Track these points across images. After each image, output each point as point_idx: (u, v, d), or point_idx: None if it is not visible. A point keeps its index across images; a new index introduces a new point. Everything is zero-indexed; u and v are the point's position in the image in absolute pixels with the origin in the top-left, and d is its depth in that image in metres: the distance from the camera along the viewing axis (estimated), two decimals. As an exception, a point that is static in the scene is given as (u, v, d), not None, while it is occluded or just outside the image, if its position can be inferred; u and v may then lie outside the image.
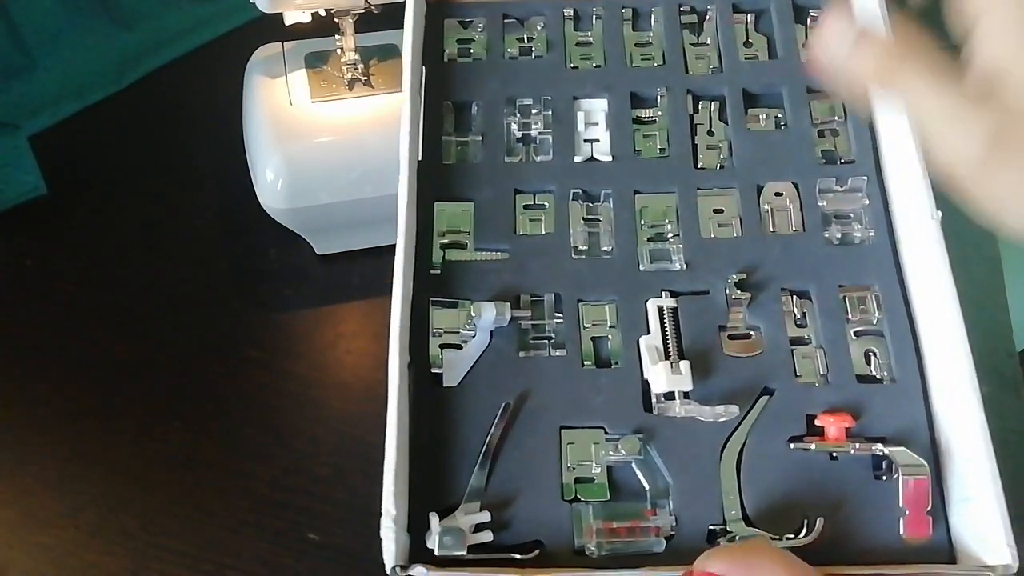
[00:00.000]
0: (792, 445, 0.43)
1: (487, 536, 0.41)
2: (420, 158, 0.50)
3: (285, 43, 0.70)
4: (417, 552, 0.41)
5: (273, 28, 0.68)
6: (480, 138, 0.52)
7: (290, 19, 0.66)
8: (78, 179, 0.75)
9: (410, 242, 0.47)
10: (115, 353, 0.66)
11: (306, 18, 0.66)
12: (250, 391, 0.65)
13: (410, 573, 0.39)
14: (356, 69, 0.69)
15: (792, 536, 0.41)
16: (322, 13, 0.66)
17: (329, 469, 0.61)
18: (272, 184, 0.65)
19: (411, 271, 0.46)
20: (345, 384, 0.66)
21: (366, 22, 0.67)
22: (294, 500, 0.60)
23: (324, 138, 0.66)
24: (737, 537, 0.41)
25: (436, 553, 0.40)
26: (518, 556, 0.41)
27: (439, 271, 0.48)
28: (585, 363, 0.46)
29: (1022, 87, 0.32)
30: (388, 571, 0.39)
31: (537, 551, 0.41)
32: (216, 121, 0.75)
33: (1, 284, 0.69)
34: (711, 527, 0.42)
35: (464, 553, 0.40)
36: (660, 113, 0.53)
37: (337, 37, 0.68)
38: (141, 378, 0.65)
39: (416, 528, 0.41)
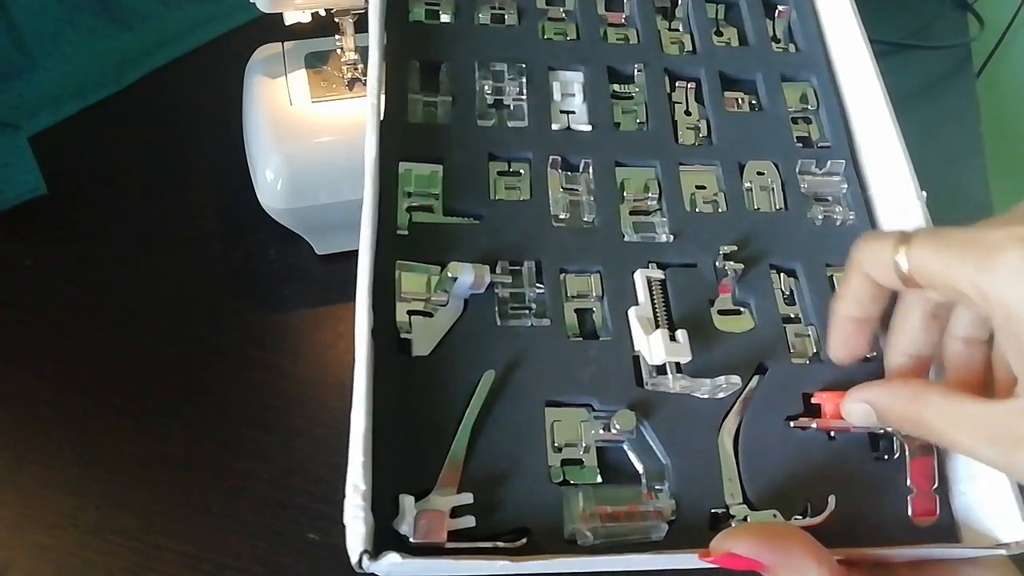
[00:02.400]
0: (792, 424, 0.42)
1: (469, 521, 0.37)
2: (381, 117, 0.47)
3: (285, 43, 0.70)
4: (387, 540, 0.36)
5: (273, 28, 0.68)
6: (450, 99, 0.50)
7: (290, 19, 0.66)
8: (78, 179, 0.75)
9: (375, 202, 0.43)
10: (115, 353, 0.66)
11: (306, 18, 0.66)
12: (250, 391, 0.65)
13: (381, 561, 0.34)
14: (356, 69, 0.69)
15: (800, 517, 0.40)
16: (322, 13, 0.66)
17: (329, 469, 0.61)
18: (272, 184, 0.65)
19: (375, 231, 0.43)
20: (345, 384, 0.65)
21: (366, 22, 0.67)
22: (294, 500, 0.60)
23: (324, 138, 0.66)
24: (747, 519, 0.39)
25: (411, 540, 0.36)
26: (502, 544, 0.37)
27: (407, 232, 0.45)
28: (570, 336, 0.44)
29: None
30: (354, 561, 0.34)
31: (524, 539, 0.38)
32: (216, 121, 0.75)
33: (1, 284, 0.69)
34: (714, 511, 0.40)
35: (443, 540, 0.36)
36: (637, 89, 0.52)
37: (337, 37, 0.68)
38: (141, 378, 0.65)
39: (384, 515, 0.37)
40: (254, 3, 0.64)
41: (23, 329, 0.67)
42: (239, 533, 0.58)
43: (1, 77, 0.77)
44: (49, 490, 0.60)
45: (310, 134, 0.66)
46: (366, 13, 0.65)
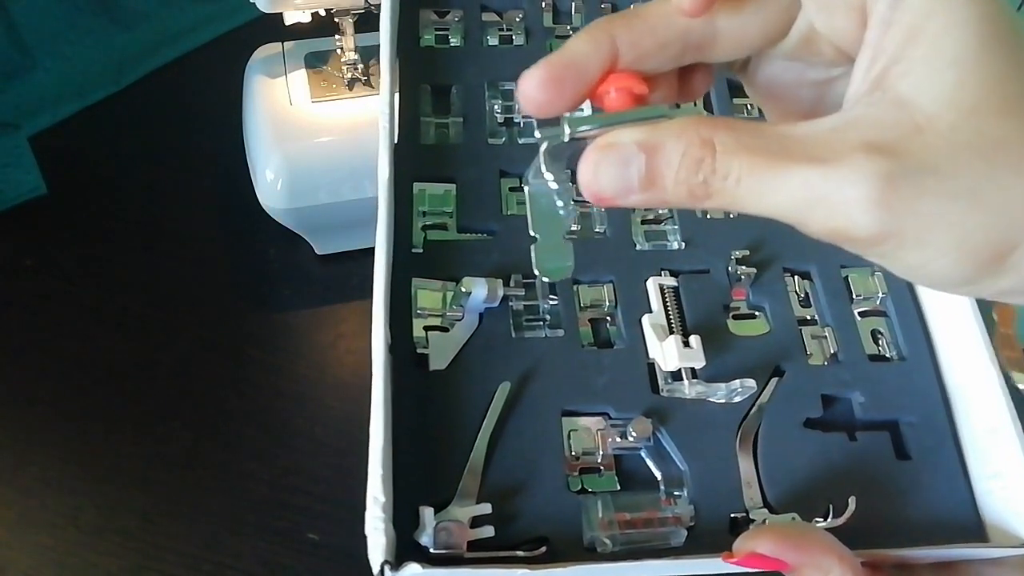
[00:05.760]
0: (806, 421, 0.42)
1: (488, 531, 0.38)
2: (395, 140, 0.48)
3: (285, 43, 0.70)
4: (407, 551, 0.36)
5: (273, 28, 0.68)
6: (461, 120, 0.51)
7: (290, 19, 0.66)
8: (78, 179, 0.75)
9: (390, 221, 0.44)
10: (115, 353, 0.66)
11: (306, 18, 0.66)
12: (250, 391, 0.65)
13: (402, 572, 0.34)
14: (356, 69, 0.69)
15: (820, 519, 0.40)
16: (322, 13, 0.66)
17: (329, 469, 0.61)
18: (272, 184, 0.65)
19: (391, 250, 0.44)
20: (345, 384, 0.66)
21: (366, 22, 0.67)
22: (294, 500, 0.60)
23: (324, 138, 0.66)
24: (766, 522, 0.39)
25: (432, 550, 0.36)
26: (522, 553, 0.37)
27: (421, 250, 0.46)
28: (584, 345, 0.44)
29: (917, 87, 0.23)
30: (375, 571, 0.34)
31: (543, 548, 0.38)
32: (216, 121, 0.75)
33: (1, 284, 0.69)
34: (733, 515, 0.40)
35: (463, 550, 0.36)
36: None
37: (337, 37, 0.68)
38: (141, 378, 0.65)
39: (403, 526, 0.37)
40: (254, 3, 0.64)
41: (23, 329, 0.67)
42: (239, 533, 0.58)
43: (1, 77, 0.77)
44: (49, 490, 0.60)
45: (310, 134, 0.66)
46: (366, 13, 0.66)
